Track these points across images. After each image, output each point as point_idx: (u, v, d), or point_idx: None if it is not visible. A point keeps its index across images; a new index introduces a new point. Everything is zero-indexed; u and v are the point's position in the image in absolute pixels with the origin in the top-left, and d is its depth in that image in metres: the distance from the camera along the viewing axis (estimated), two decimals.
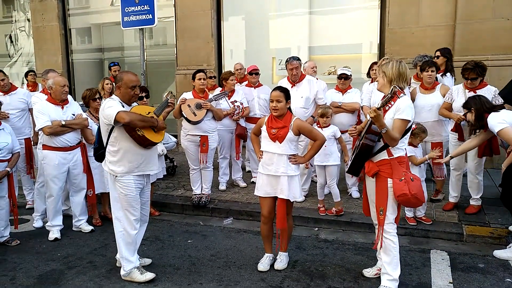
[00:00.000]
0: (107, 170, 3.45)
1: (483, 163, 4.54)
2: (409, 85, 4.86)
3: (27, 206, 5.44)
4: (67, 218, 4.70)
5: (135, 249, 3.53)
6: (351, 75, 5.23)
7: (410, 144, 4.23)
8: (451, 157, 4.16)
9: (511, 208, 3.64)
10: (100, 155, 3.53)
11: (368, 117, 3.20)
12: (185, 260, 3.88)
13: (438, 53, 5.44)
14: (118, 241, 3.46)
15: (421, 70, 4.89)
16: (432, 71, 4.77)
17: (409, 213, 4.40)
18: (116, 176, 3.37)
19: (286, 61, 5.02)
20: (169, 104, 3.68)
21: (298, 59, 5.04)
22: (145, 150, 3.40)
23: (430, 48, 6.41)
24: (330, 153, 4.59)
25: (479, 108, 3.74)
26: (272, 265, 3.65)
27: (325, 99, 5.18)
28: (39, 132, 4.35)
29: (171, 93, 3.79)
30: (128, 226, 3.43)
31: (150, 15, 6.28)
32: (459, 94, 4.51)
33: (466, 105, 3.89)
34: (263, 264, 3.63)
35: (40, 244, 4.30)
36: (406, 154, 3.17)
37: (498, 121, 3.55)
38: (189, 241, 4.34)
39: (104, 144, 3.43)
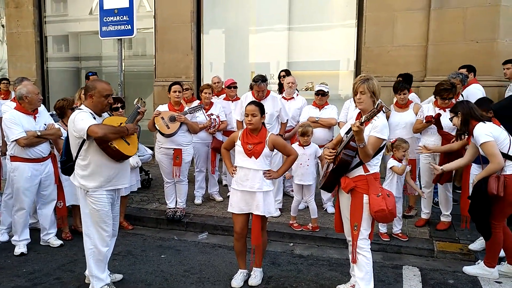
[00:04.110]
0: (78, 184, 3.32)
1: (452, 180, 4.67)
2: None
3: None
4: (35, 232, 4.53)
5: (106, 266, 3.42)
6: (328, 91, 5.32)
7: (394, 158, 4.35)
8: (443, 170, 4.13)
9: (477, 221, 3.72)
10: (67, 169, 3.38)
11: (343, 133, 3.25)
12: (157, 276, 3.79)
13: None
14: (88, 258, 3.33)
15: (394, 91, 5.05)
16: (404, 94, 4.97)
17: (383, 228, 4.46)
18: (88, 191, 3.26)
19: (254, 80, 5.03)
20: (139, 112, 3.57)
21: (266, 79, 5.08)
22: (118, 163, 3.32)
23: (404, 67, 6.62)
24: (311, 172, 4.63)
25: (467, 113, 3.74)
26: (246, 281, 3.62)
27: (284, 116, 5.22)
28: (10, 142, 4.19)
29: (141, 99, 3.71)
30: (99, 243, 3.31)
31: (129, 25, 6.22)
32: (429, 112, 4.66)
33: (454, 109, 3.90)
34: (237, 280, 3.59)
35: (5, 259, 4.12)
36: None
37: (485, 132, 3.55)
38: (162, 256, 4.26)
39: (74, 158, 3.30)
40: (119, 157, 3.28)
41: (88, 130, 3.07)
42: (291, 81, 5.72)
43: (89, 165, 3.24)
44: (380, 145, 3.04)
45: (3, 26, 10.07)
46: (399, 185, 4.40)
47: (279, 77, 6.42)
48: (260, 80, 4.96)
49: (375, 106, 2.85)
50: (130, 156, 3.39)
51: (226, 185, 6.19)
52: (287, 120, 5.29)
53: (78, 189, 3.37)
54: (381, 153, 3.15)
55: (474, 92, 5.18)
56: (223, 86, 6.22)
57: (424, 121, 4.62)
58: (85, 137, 3.13)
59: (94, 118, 3.22)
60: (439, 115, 4.51)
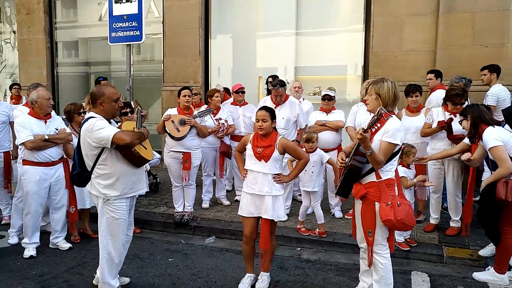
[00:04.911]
0: (98, 194, 3.23)
1: (461, 185, 4.64)
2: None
3: (3, 222, 5.28)
4: (44, 234, 4.57)
5: (117, 272, 3.44)
6: (334, 96, 5.32)
7: (403, 164, 4.28)
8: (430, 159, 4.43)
9: (486, 226, 3.67)
10: (82, 180, 3.26)
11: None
12: (165, 279, 3.80)
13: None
14: (102, 266, 3.33)
15: (406, 95, 5.04)
16: (416, 96, 4.95)
17: (399, 237, 4.33)
18: (109, 200, 3.21)
19: (272, 85, 5.04)
20: (142, 115, 3.55)
21: (284, 84, 5.08)
22: (137, 169, 3.30)
23: (412, 71, 6.62)
24: (316, 179, 4.61)
25: (476, 116, 3.72)
26: (253, 285, 3.60)
27: (303, 122, 5.20)
28: (20, 146, 4.24)
29: (136, 101, 3.71)
30: (114, 252, 3.31)
31: (138, 31, 6.28)
32: (439, 116, 4.63)
33: (464, 112, 3.89)
34: (244, 285, 3.58)
35: (14, 262, 4.16)
36: (396, 175, 3.10)
37: (494, 137, 3.53)
38: (169, 259, 4.27)
39: (90, 168, 3.21)
40: (141, 162, 3.25)
41: (114, 137, 3.00)
42: (297, 85, 5.73)
43: (111, 174, 3.17)
44: (393, 150, 2.93)
45: (14, 32, 10.25)
46: (411, 191, 4.34)
47: (267, 82, 6.38)
48: (278, 85, 4.97)
49: (376, 113, 2.79)
50: (150, 160, 3.35)
51: (228, 191, 6.19)
52: (306, 126, 5.27)
53: (96, 198, 3.29)
54: (396, 158, 3.05)
55: (440, 95, 5.07)
56: (224, 93, 6.27)
57: (437, 126, 4.57)
58: (108, 146, 3.05)
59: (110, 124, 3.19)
60: (451, 119, 4.46)
